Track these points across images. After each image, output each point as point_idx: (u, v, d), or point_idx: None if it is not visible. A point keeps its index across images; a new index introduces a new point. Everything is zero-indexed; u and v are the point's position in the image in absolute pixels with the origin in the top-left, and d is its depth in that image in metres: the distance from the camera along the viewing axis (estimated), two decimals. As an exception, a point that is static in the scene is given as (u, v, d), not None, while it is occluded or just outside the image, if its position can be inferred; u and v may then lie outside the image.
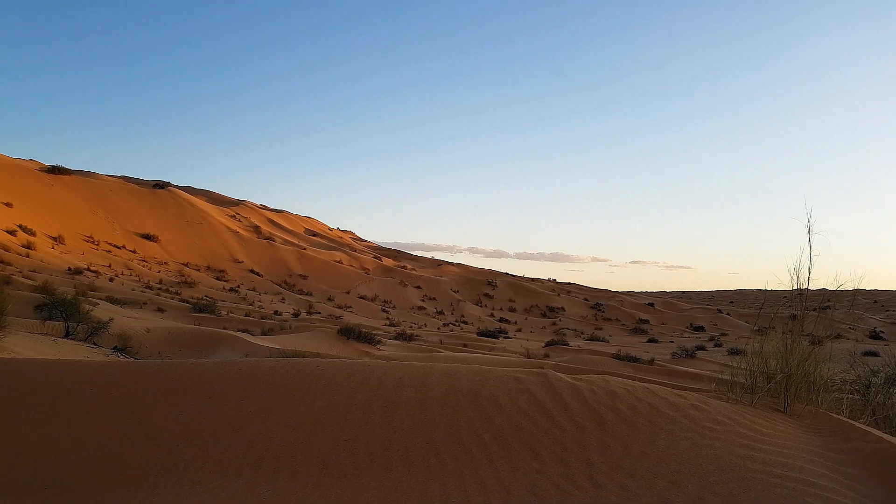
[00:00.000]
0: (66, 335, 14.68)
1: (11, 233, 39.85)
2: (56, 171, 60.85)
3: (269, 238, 72.50)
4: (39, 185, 55.55)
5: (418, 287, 69.59)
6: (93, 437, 5.28)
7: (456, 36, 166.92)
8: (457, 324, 53.01)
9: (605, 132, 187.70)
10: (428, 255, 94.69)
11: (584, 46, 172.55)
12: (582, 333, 51.42)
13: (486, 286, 74.57)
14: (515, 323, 58.17)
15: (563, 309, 68.49)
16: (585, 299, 74.40)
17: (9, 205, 46.78)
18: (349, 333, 23.84)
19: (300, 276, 63.34)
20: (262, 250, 66.51)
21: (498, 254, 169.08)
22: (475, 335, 38.73)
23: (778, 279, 6.13)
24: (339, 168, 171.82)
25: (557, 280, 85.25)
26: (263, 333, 25.41)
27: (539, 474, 4.13)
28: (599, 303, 71.55)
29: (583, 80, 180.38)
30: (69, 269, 35.60)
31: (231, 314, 32.26)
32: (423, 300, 65.60)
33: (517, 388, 5.16)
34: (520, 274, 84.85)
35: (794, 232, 5.91)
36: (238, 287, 50.30)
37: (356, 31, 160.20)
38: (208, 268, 56.39)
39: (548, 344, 31.47)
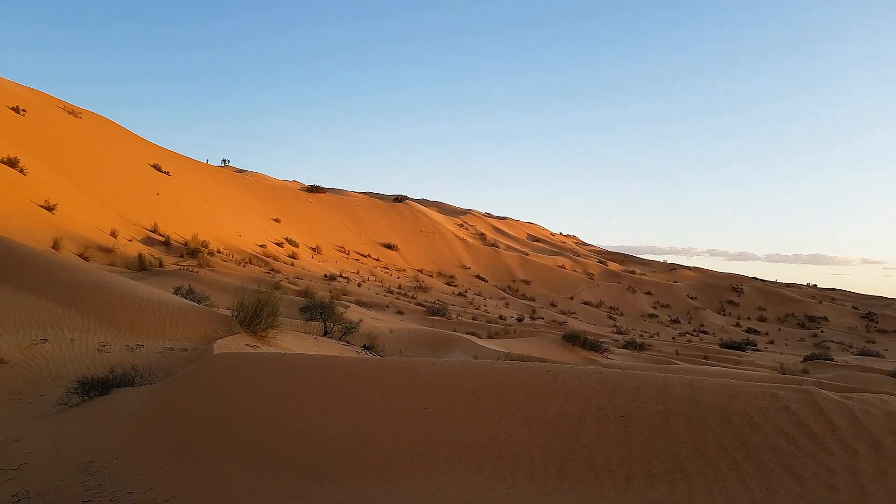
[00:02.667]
0: (325, 334, 16.63)
1: (279, 244, 46.49)
2: (314, 189, 70.11)
3: (494, 245, 74.96)
4: (300, 203, 64.11)
5: (649, 293, 66.64)
6: (349, 426, 5.89)
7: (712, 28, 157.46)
8: (695, 333, 49.64)
9: (877, 113, 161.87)
10: (659, 258, 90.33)
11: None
12: (850, 347, 45.10)
13: (729, 292, 68.84)
14: (766, 334, 52.80)
15: (825, 318, 60.51)
16: (854, 307, 64.96)
17: (277, 220, 54.73)
18: (574, 339, 23.60)
19: (523, 281, 64.47)
20: (487, 256, 69.05)
21: (743, 256, 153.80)
22: (717, 346, 35.89)
23: None
24: (563, 173, 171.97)
25: (818, 285, 75.40)
26: (489, 337, 26.28)
27: (801, 498, 3.67)
28: (872, 311, 61.98)
29: (850, 65, 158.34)
30: (325, 275, 40.35)
31: (460, 317, 33.94)
32: (654, 307, 62.68)
33: (774, 404, 4.65)
34: (771, 279, 76.94)
35: None
36: (466, 292, 52.78)
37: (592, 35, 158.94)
38: (439, 273, 60.06)
39: (807, 358, 28.06)
